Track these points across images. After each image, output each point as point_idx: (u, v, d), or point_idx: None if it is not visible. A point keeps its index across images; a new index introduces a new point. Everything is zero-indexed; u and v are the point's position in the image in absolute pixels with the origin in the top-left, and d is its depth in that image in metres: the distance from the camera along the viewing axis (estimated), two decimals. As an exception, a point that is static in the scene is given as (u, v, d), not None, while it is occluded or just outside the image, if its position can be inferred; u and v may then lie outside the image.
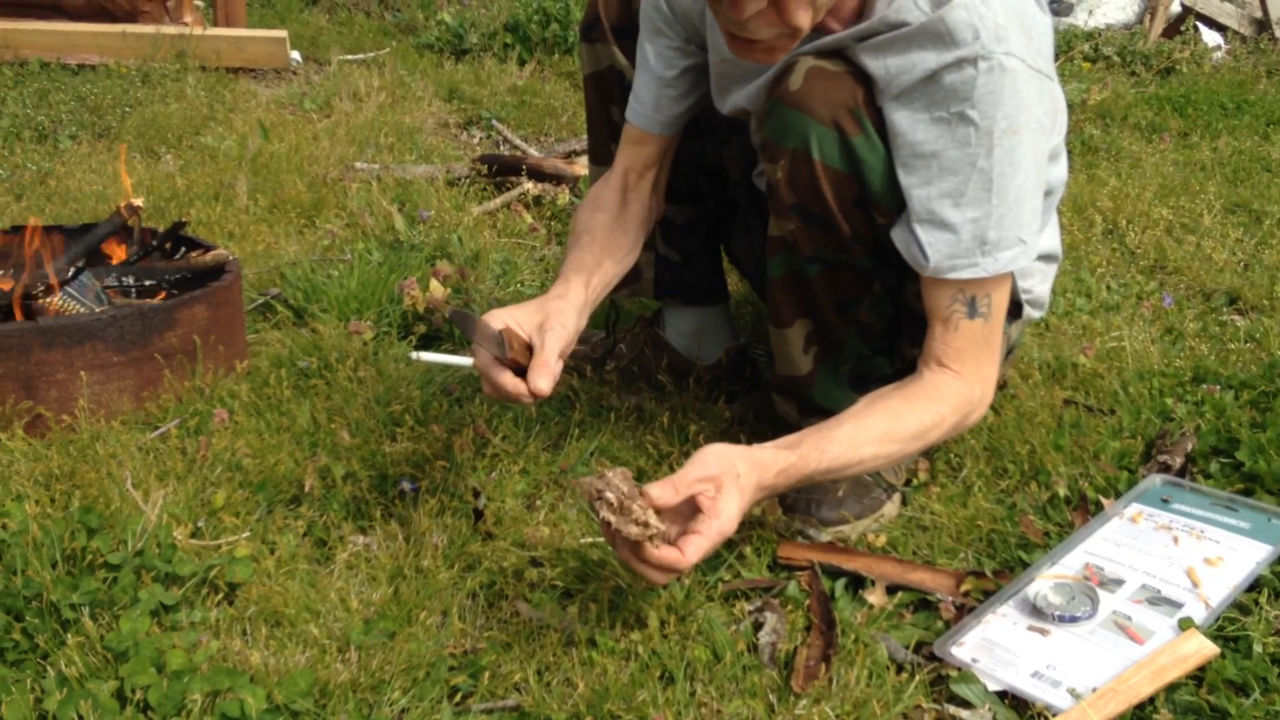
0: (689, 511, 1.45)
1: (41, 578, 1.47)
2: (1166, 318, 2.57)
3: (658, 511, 1.41)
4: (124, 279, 2.36)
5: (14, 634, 1.41)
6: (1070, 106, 4.29)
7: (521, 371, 1.59)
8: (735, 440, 1.94)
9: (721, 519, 1.42)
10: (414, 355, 1.61)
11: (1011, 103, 1.51)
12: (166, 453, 1.91)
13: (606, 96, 2.04)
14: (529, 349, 1.61)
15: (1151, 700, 1.35)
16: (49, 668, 1.37)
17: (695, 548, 1.41)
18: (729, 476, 1.45)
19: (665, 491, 1.43)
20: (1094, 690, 1.36)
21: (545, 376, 1.57)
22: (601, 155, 2.10)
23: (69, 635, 1.41)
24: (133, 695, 1.31)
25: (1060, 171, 1.78)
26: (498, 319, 1.61)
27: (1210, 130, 4.33)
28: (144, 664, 1.34)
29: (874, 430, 1.57)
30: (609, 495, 1.40)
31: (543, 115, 4.49)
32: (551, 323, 1.63)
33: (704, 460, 1.46)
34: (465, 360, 1.62)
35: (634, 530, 1.39)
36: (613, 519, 1.39)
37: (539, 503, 1.83)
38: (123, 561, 1.54)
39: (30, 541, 1.53)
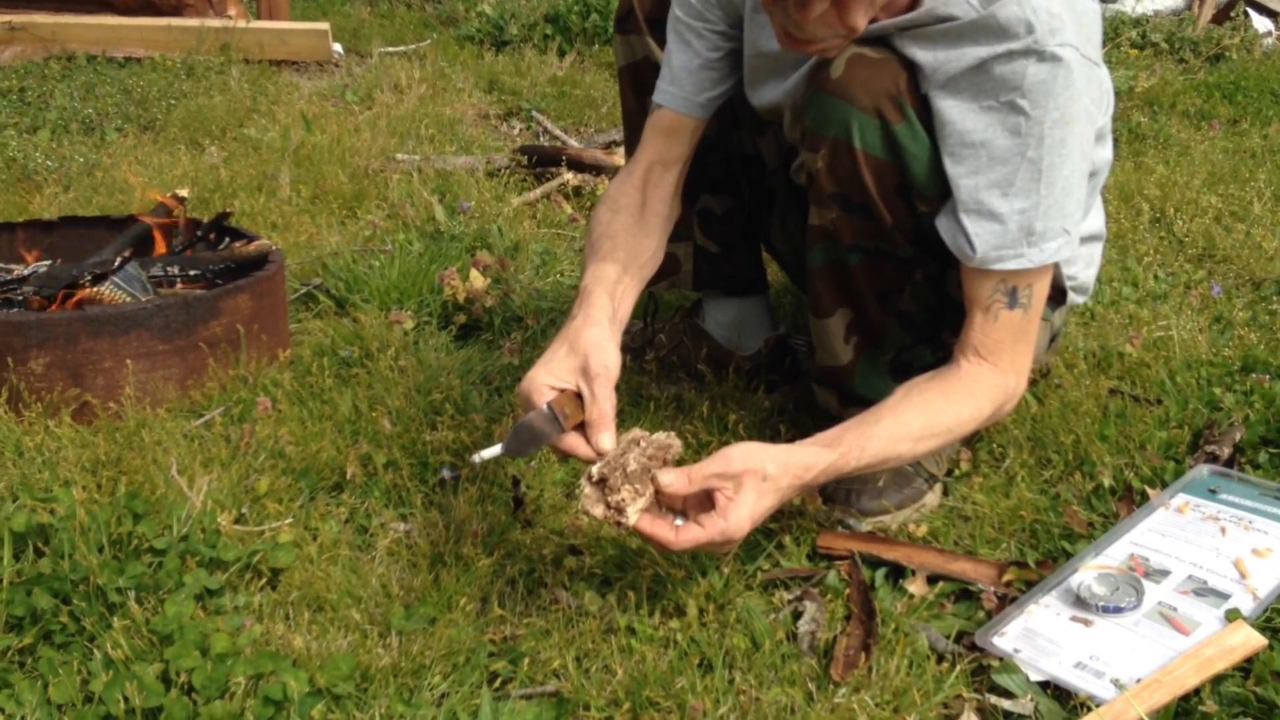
0: (709, 505, 1.44)
1: (88, 562, 1.49)
2: (1215, 306, 2.53)
3: (660, 495, 1.43)
4: (169, 269, 2.38)
5: (61, 616, 1.44)
6: (1117, 94, 4.23)
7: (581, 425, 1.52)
8: (775, 430, 1.94)
9: (729, 521, 1.41)
10: (476, 459, 1.51)
11: (1065, 94, 1.48)
12: (211, 440, 1.93)
13: (642, 88, 2.03)
14: (578, 397, 1.52)
15: (1197, 692, 1.33)
16: (95, 650, 1.40)
17: (690, 537, 1.41)
18: (752, 477, 1.43)
19: (678, 480, 1.43)
20: (1138, 681, 1.34)
21: (605, 432, 1.48)
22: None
23: (115, 618, 1.43)
24: (177, 678, 1.33)
25: (1105, 153, 1.76)
26: (538, 387, 1.51)
27: (1260, 117, 4.25)
28: (188, 647, 1.36)
29: (913, 426, 1.56)
30: (594, 470, 1.42)
31: (582, 106, 4.49)
32: (594, 366, 1.51)
33: (727, 457, 1.44)
34: None
35: (598, 511, 1.41)
36: (588, 489, 1.42)
37: (578, 491, 1.83)
38: (168, 546, 1.56)
39: (78, 526, 1.56)
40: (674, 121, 1.83)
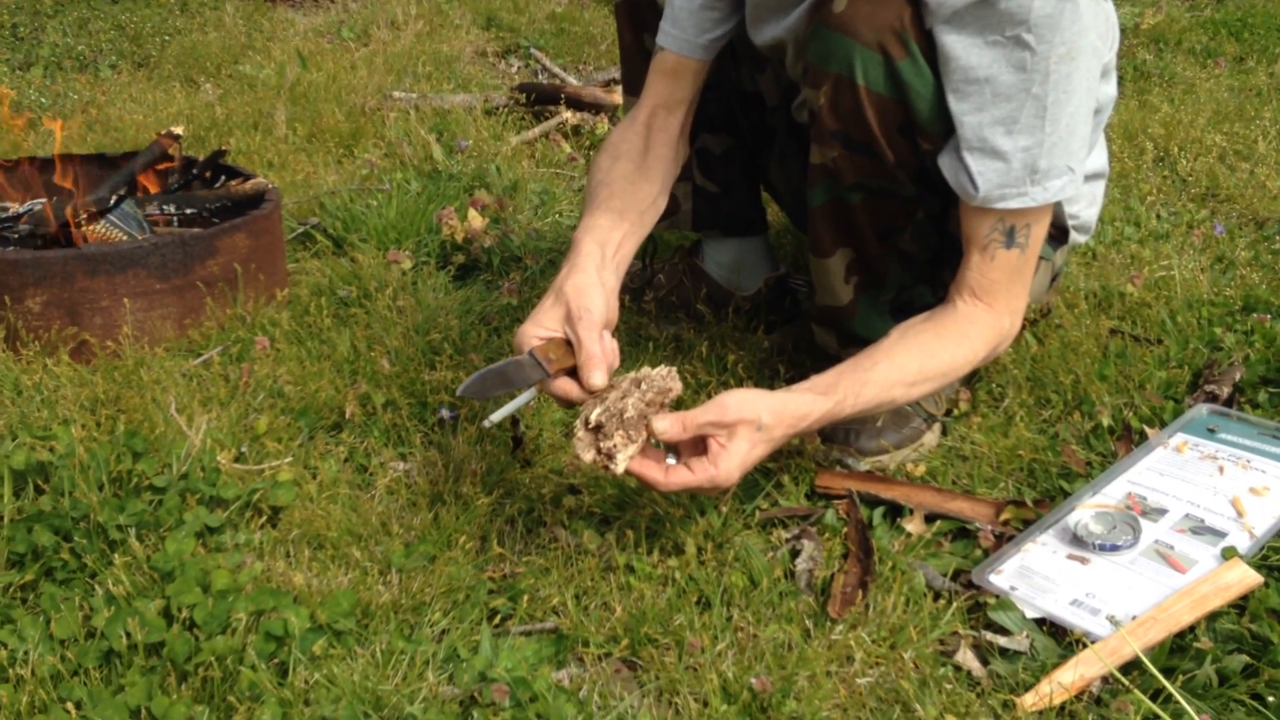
0: (703, 448, 1.44)
1: (89, 499, 1.50)
2: (1217, 246, 2.51)
3: (653, 439, 1.43)
4: (165, 207, 2.37)
5: (63, 553, 1.44)
6: (1123, 31, 4.17)
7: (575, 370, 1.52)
8: (774, 370, 1.94)
9: (718, 469, 1.41)
10: (487, 423, 1.54)
11: (1071, 29, 1.46)
12: (209, 379, 1.93)
13: (639, 24, 2.00)
14: (568, 344, 1.52)
15: (1192, 629, 1.34)
16: (97, 586, 1.40)
17: (678, 480, 1.41)
18: (746, 427, 1.43)
19: (673, 426, 1.43)
20: (1134, 618, 1.35)
21: (595, 370, 1.48)
22: (636, 86, 2.05)
23: (116, 555, 1.44)
24: (179, 614, 1.34)
25: (1110, 89, 1.74)
26: (526, 339, 1.52)
27: (1267, 55, 4.20)
28: (189, 584, 1.37)
29: (908, 370, 1.55)
30: (591, 415, 1.42)
31: (581, 43, 4.44)
32: (576, 310, 1.51)
33: (722, 405, 1.44)
34: (529, 393, 1.56)
35: (588, 455, 1.41)
36: (581, 432, 1.42)
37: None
38: (168, 485, 1.56)
39: (77, 464, 1.56)
40: (676, 64, 1.81)
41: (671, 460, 1.44)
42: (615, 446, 1.40)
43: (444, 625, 1.40)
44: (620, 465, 1.40)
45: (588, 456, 1.42)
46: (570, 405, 1.52)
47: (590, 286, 1.54)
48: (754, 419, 1.43)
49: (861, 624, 1.39)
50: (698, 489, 1.43)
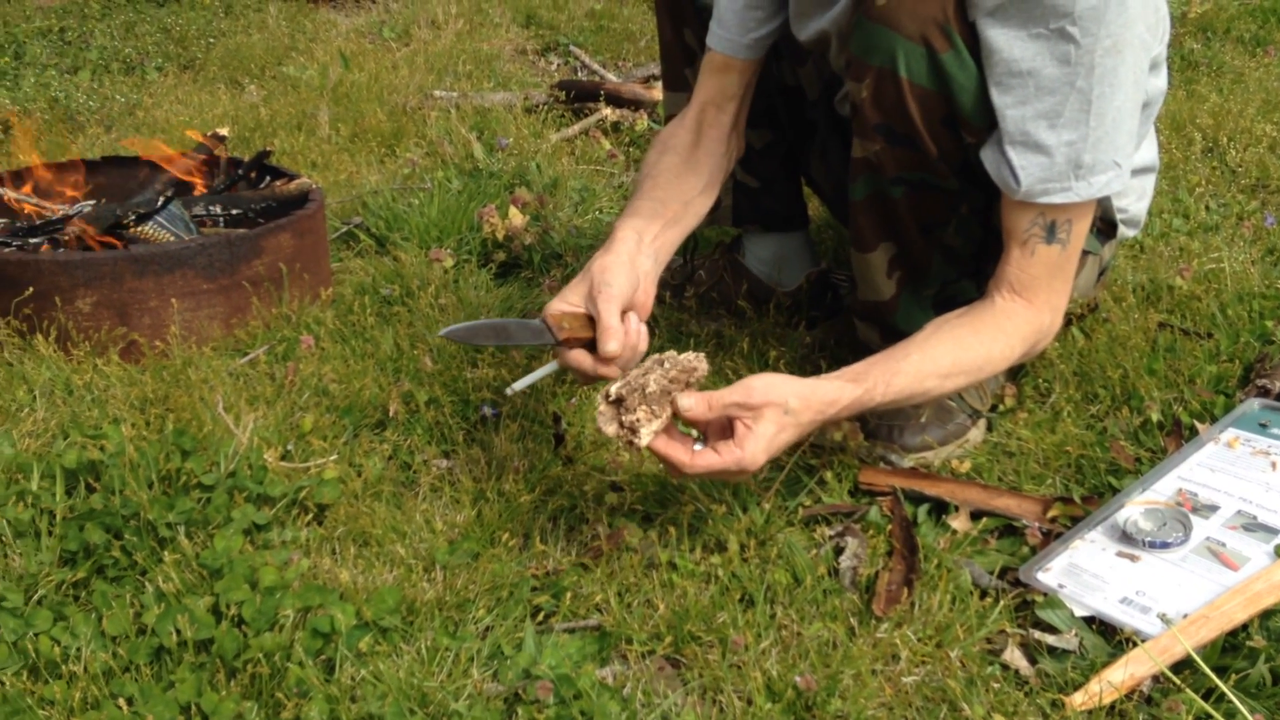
0: (729, 432, 1.44)
1: (139, 498, 1.52)
2: (1268, 238, 2.47)
3: (678, 417, 1.43)
4: (211, 208, 2.39)
5: (113, 551, 1.46)
6: (1171, 21, 4.12)
7: (583, 341, 1.56)
8: (815, 366, 1.93)
9: (744, 451, 1.41)
10: (509, 390, 1.57)
11: (1117, 21, 1.44)
12: (256, 378, 1.95)
13: (679, 19, 2.00)
14: (589, 320, 1.56)
15: (1245, 627, 1.32)
16: (147, 583, 1.42)
17: (704, 463, 1.41)
18: (773, 410, 1.42)
19: (698, 405, 1.43)
20: (1185, 616, 1.33)
21: (610, 340, 1.52)
22: (676, 81, 2.06)
23: (166, 553, 1.46)
24: (227, 610, 1.35)
25: (1160, 82, 1.71)
26: (551, 310, 1.56)
27: (1320, 42, 4.12)
28: (238, 580, 1.38)
29: (942, 362, 1.54)
30: (612, 388, 1.43)
31: (621, 40, 4.44)
32: (597, 286, 1.55)
33: (749, 387, 1.43)
34: (551, 365, 1.59)
35: (611, 429, 1.41)
36: (603, 406, 1.42)
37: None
38: (216, 482, 1.58)
39: (127, 463, 1.58)
40: (724, 63, 1.81)
41: (698, 447, 1.44)
42: (638, 421, 1.40)
43: (488, 622, 1.41)
44: (644, 439, 1.40)
45: (610, 430, 1.42)
46: (586, 379, 1.55)
47: (617, 266, 1.58)
48: (781, 402, 1.43)
49: (907, 622, 1.38)
50: (723, 471, 1.42)
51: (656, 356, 1.47)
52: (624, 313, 1.55)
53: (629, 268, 1.59)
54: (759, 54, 1.82)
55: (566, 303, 1.57)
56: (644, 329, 1.57)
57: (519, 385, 1.55)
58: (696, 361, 1.47)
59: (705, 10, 1.94)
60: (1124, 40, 1.45)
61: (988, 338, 1.57)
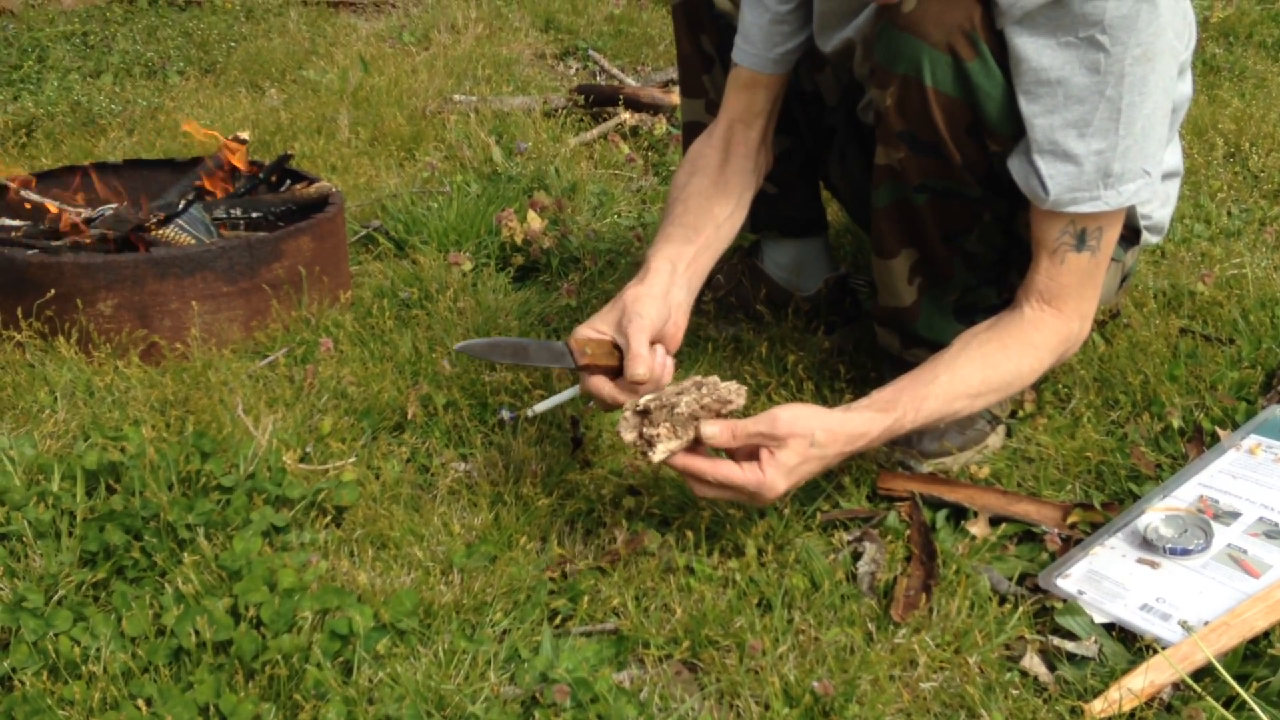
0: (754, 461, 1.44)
1: (159, 499, 1.52)
2: (1291, 244, 2.45)
3: (699, 443, 1.43)
4: (231, 211, 2.41)
5: (133, 552, 1.47)
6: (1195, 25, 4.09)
7: (609, 370, 1.56)
8: (834, 371, 1.92)
9: (765, 474, 1.41)
10: (530, 413, 1.58)
11: (1148, 30, 1.42)
12: (275, 380, 1.95)
13: (696, 26, 2.00)
14: (616, 348, 1.56)
15: (1266, 635, 1.31)
16: (166, 585, 1.43)
17: (724, 473, 1.42)
18: (798, 441, 1.42)
19: (722, 432, 1.43)
20: (1206, 624, 1.32)
21: (639, 365, 1.51)
22: (693, 88, 2.05)
23: (185, 554, 1.47)
24: (246, 612, 1.36)
25: (1185, 88, 1.70)
26: (577, 335, 1.56)
27: (1343, 47, 4.09)
28: (256, 582, 1.39)
29: (971, 382, 1.53)
30: (641, 400, 1.43)
31: (640, 44, 4.44)
32: (629, 316, 1.55)
33: (773, 417, 1.43)
34: (573, 390, 1.60)
35: (629, 436, 1.42)
36: (628, 414, 1.43)
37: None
38: (235, 484, 1.59)
39: (147, 464, 1.59)
40: (751, 79, 1.81)
41: None
42: (658, 436, 1.41)
43: (505, 625, 1.41)
44: (657, 455, 1.41)
45: (628, 436, 1.43)
46: (605, 407, 1.56)
47: (649, 297, 1.58)
48: (807, 434, 1.42)
49: (925, 628, 1.37)
50: (740, 489, 1.42)
51: (697, 379, 1.48)
52: (652, 344, 1.55)
53: (662, 300, 1.59)
54: (786, 69, 1.81)
55: (594, 329, 1.57)
56: (670, 362, 1.57)
57: (540, 408, 1.56)
58: (733, 395, 1.47)
59: (722, 18, 1.93)
60: (1154, 49, 1.44)
61: (1016, 353, 1.56)
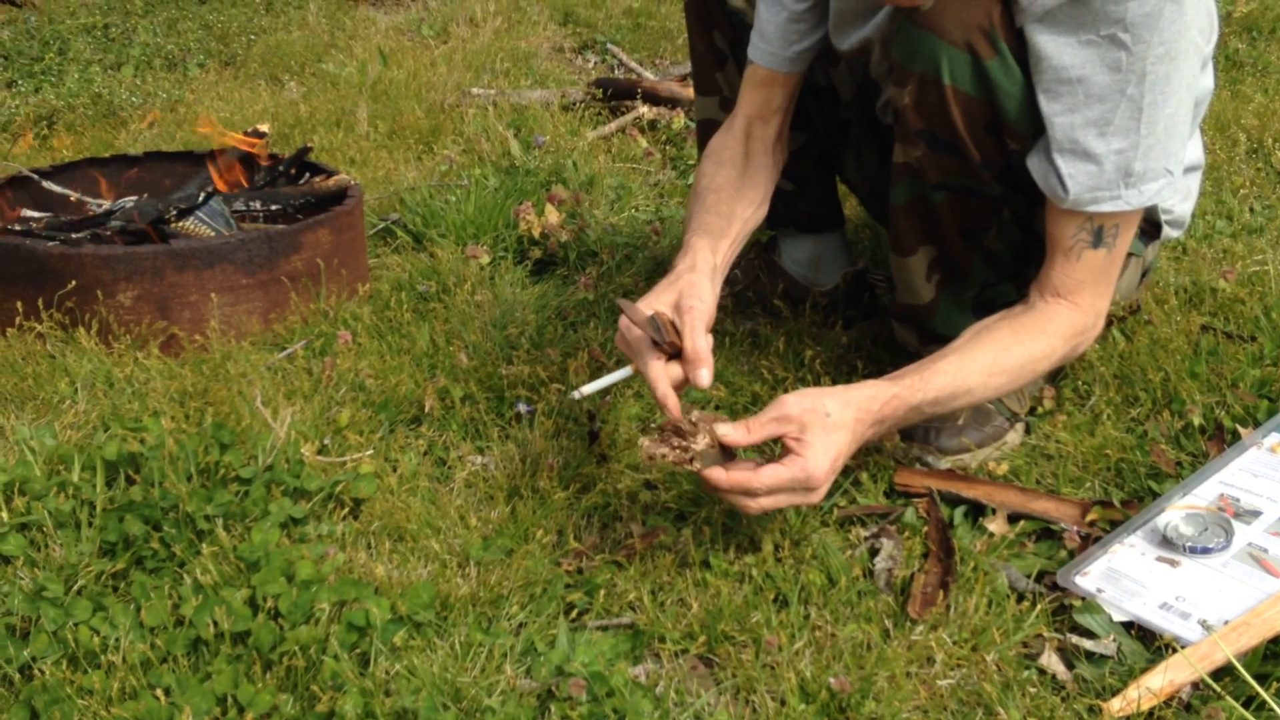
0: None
1: (178, 490, 1.53)
2: (1314, 241, 2.43)
3: (722, 447, 1.42)
4: (251, 204, 2.41)
5: (152, 543, 1.48)
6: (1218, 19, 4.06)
7: (676, 351, 1.52)
8: (851, 366, 1.92)
9: (806, 458, 1.38)
10: (577, 394, 1.52)
11: (1171, 29, 1.41)
12: (293, 372, 1.96)
13: (708, 23, 1.99)
14: (674, 328, 1.52)
15: (1288, 636, 1.30)
16: (185, 575, 1.44)
17: (771, 475, 1.38)
18: (813, 416, 1.41)
19: (737, 430, 1.42)
20: (1226, 623, 1.31)
21: (703, 368, 1.47)
22: (706, 85, 2.05)
23: (204, 545, 1.47)
24: (264, 603, 1.36)
25: (1207, 82, 1.69)
26: (637, 309, 1.52)
27: (1368, 42, 4.05)
28: (274, 574, 1.39)
29: (981, 361, 1.52)
30: (656, 429, 1.43)
31: (658, 38, 4.43)
32: (688, 300, 1.51)
33: (782, 402, 1.43)
34: (624, 371, 1.55)
35: (661, 450, 1.40)
36: (646, 443, 1.42)
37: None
38: (254, 476, 1.59)
39: (167, 455, 1.60)
40: (767, 77, 1.81)
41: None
42: (690, 432, 1.40)
43: (521, 618, 1.41)
44: (700, 444, 1.40)
45: (661, 451, 1.41)
46: (662, 393, 1.47)
47: (703, 283, 1.56)
48: (818, 408, 1.41)
49: (942, 625, 1.37)
50: (790, 485, 1.39)
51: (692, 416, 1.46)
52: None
53: (710, 287, 1.57)
54: (802, 67, 1.81)
55: (652, 307, 1.52)
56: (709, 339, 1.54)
57: (588, 389, 1.52)
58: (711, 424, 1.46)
59: (735, 14, 1.93)
60: (1178, 47, 1.43)
61: (1028, 337, 1.55)
